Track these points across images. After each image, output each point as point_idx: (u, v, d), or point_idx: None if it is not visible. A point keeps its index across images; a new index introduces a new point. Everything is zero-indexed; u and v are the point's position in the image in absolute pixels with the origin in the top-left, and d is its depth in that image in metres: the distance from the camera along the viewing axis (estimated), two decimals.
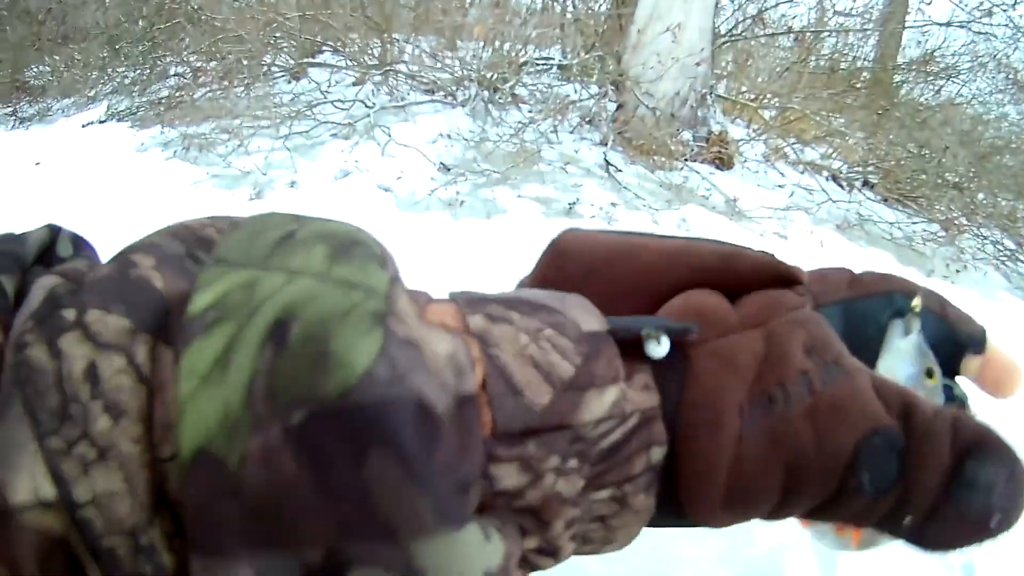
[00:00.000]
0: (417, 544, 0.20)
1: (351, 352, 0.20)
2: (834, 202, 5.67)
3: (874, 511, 0.28)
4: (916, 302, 0.33)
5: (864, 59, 7.71)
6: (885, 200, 6.22)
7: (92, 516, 0.20)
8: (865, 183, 6.38)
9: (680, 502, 0.28)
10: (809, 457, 0.27)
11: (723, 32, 6.53)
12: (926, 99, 7.57)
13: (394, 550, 0.20)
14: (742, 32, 6.88)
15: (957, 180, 6.43)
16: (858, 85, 6.71)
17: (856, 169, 6.48)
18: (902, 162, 6.43)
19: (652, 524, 0.29)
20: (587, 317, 0.27)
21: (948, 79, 7.61)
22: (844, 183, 6.24)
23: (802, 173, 6.03)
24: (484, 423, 0.24)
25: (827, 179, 6.17)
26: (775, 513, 0.29)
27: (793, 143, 6.31)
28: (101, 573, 0.21)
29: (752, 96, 6.43)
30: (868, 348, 0.33)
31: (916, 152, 6.48)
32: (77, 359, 0.21)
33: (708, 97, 5.94)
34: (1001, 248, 6.31)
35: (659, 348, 0.27)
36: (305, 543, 0.20)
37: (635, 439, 0.26)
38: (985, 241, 6.28)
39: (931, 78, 7.51)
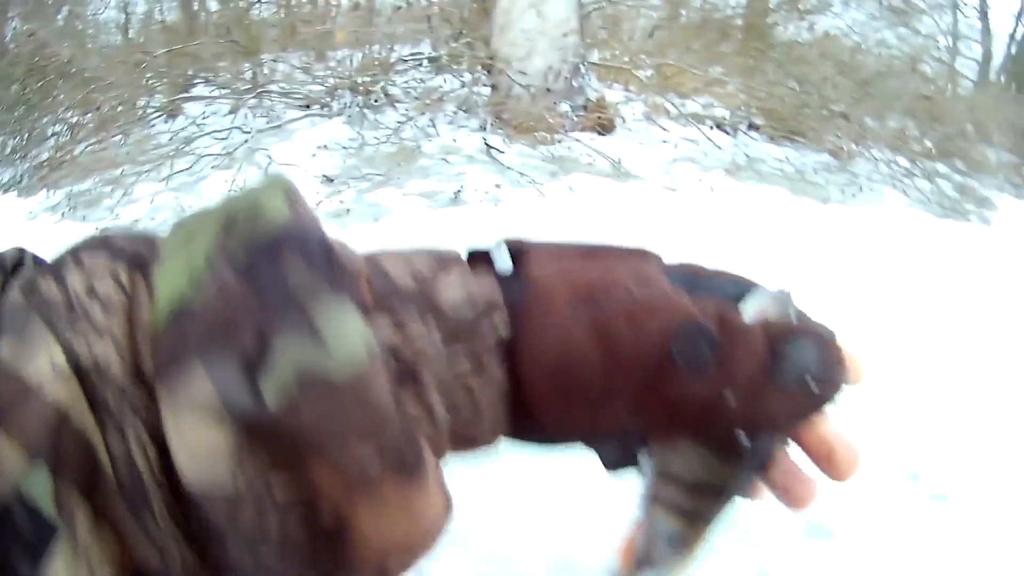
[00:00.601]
0: (316, 309, 0.27)
1: (276, 212, 0.29)
2: (720, 148, 5.61)
3: (694, 394, 0.32)
4: (790, 295, 0.35)
5: (736, 7, 7.69)
6: (772, 139, 6.19)
7: (94, 378, 0.27)
8: (750, 126, 6.35)
9: (526, 398, 0.33)
10: (626, 342, 0.32)
11: (589, 0, 6.46)
12: (801, 37, 7.57)
13: (301, 315, 0.27)
14: None
15: (842, 109, 6.43)
16: (731, 32, 6.67)
17: (739, 113, 6.45)
18: (785, 100, 6.40)
19: (516, 436, 0.35)
20: (451, 248, 0.35)
21: (821, 13, 7.63)
22: (729, 129, 6.20)
23: (685, 126, 5.96)
24: (368, 297, 0.31)
25: (711, 128, 6.12)
26: (604, 404, 0.33)
27: (673, 98, 6.24)
28: (95, 419, 0.27)
29: (627, 59, 6.35)
30: None
31: (797, 88, 6.46)
32: (79, 282, 0.29)
33: (582, 66, 5.85)
34: (895, 167, 6.32)
35: (502, 260, 0.35)
36: (243, 332, 0.26)
37: (485, 319, 0.33)
38: (878, 163, 6.29)
39: (804, 15, 7.52)
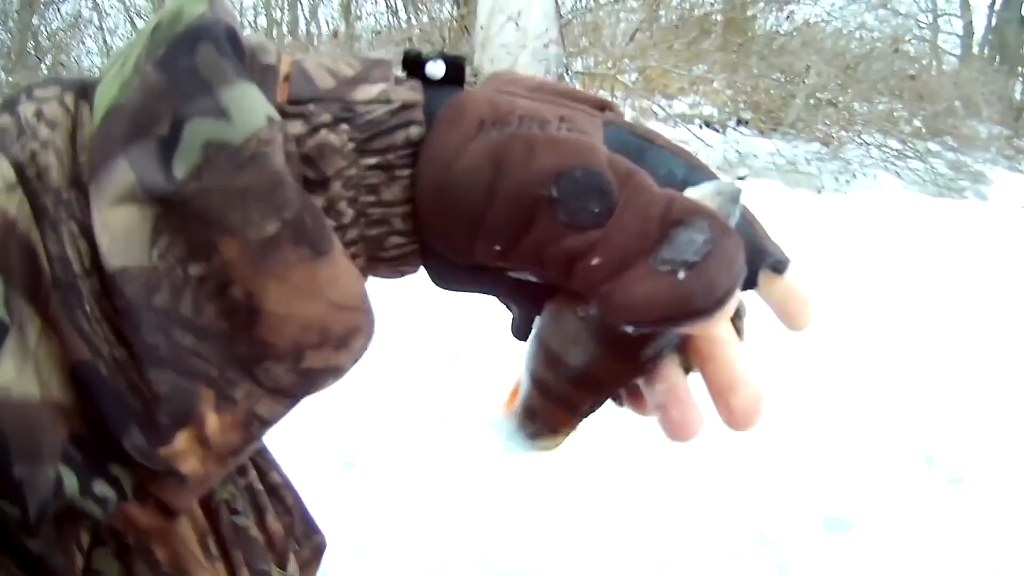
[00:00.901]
0: (224, 90, 0.28)
1: (195, 11, 0.29)
2: (711, 147, 5.62)
3: (563, 244, 0.30)
4: (739, 192, 0.32)
5: (714, 3, 7.71)
6: (762, 132, 6.19)
7: (36, 185, 0.28)
8: (739, 121, 6.35)
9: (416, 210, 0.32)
10: (515, 167, 0.30)
11: (568, 9, 6.48)
12: (782, 27, 7.59)
13: (210, 98, 0.28)
14: (586, 4, 6.84)
15: (829, 96, 6.44)
16: (711, 29, 6.69)
17: (727, 110, 6.45)
18: (771, 92, 6.41)
19: (429, 266, 0.34)
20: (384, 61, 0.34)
21: (799, 2, 7.65)
22: (718, 126, 6.20)
23: (674, 127, 5.97)
24: (282, 95, 0.31)
25: (700, 126, 6.13)
26: (480, 234, 0.31)
27: (659, 100, 6.25)
28: (36, 222, 0.28)
29: (610, 64, 6.36)
30: None
31: (782, 79, 6.47)
32: (30, 109, 0.30)
33: (565, 76, 5.87)
34: (887, 150, 6.33)
35: (436, 68, 0.33)
36: (161, 120, 0.28)
37: (396, 117, 0.32)
38: (869, 147, 6.29)
39: (783, 5, 7.53)
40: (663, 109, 6.16)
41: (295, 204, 0.28)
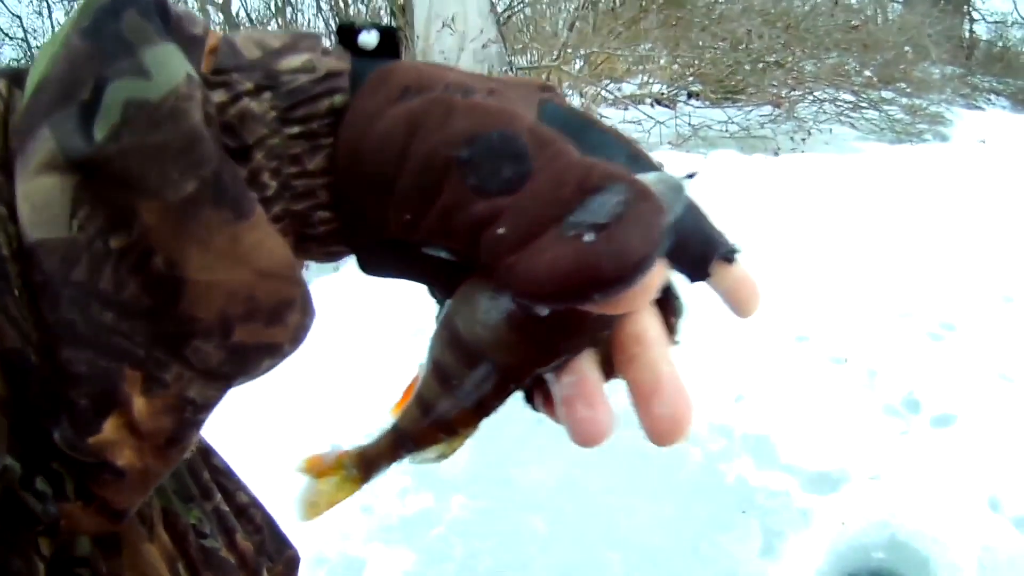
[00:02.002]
0: (145, 49, 0.27)
1: None
2: (663, 124, 5.57)
3: (469, 211, 0.27)
4: (681, 183, 0.28)
5: None
6: (713, 103, 6.16)
7: None
8: (689, 95, 6.32)
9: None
10: (431, 130, 0.28)
11: (505, 6, 6.44)
12: None
13: (131, 59, 0.27)
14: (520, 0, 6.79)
15: (775, 58, 6.40)
16: (649, 7, 6.64)
17: (675, 85, 6.42)
18: (716, 62, 6.38)
19: (349, 243, 0.32)
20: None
21: None
22: (668, 103, 6.16)
23: (626, 109, 5.93)
24: (206, 66, 0.30)
25: (651, 105, 6.09)
26: (391, 201, 0.29)
27: (608, 84, 6.21)
28: None
29: (554, 55, 6.31)
30: None
31: (726, 48, 6.44)
32: None
33: (510, 72, 5.82)
34: (841, 104, 6.31)
35: (369, 38, 0.32)
36: (83, 86, 0.26)
37: (320, 85, 0.30)
38: (823, 103, 6.27)
39: None
40: (612, 93, 6.11)
41: (213, 161, 0.27)
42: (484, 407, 0.30)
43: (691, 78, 6.40)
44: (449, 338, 0.30)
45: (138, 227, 0.26)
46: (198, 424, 0.30)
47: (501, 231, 0.26)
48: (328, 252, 0.33)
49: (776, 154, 5.22)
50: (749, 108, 5.96)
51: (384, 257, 0.32)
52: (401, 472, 2.25)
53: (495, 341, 0.28)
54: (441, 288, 0.32)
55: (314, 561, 2.00)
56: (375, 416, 2.35)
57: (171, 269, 0.27)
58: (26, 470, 0.27)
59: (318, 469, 0.33)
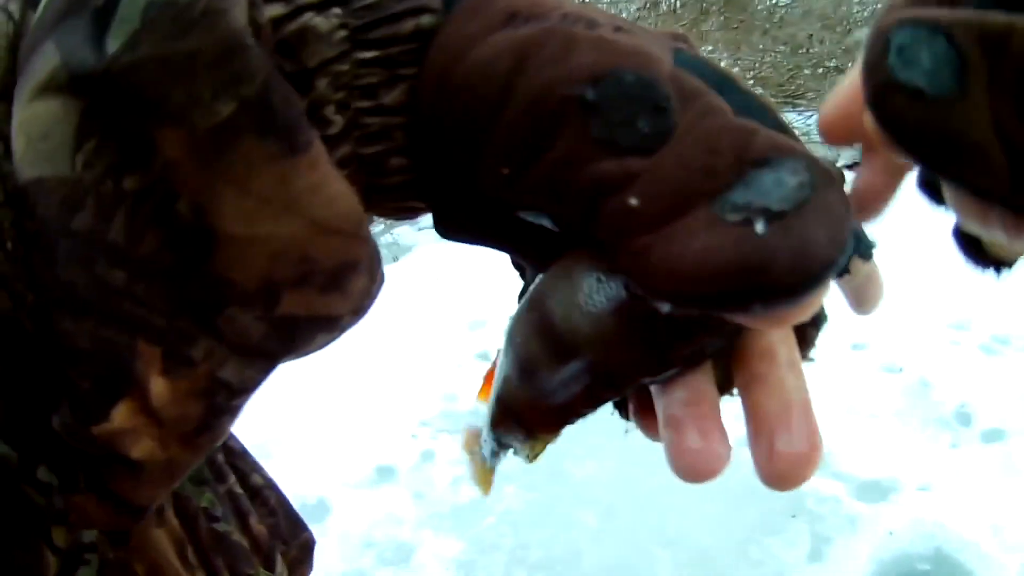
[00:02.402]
0: None
1: None
2: None
3: (590, 169, 0.22)
4: (841, 172, 0.24)
5: None
6: None
7: None
8: None
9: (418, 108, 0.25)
10: (545, 63, 0.23)
11: None
12: (781, 0, 7.50)
13: None
14: None
15: (835, 64, 6.36)
16: (711, 9, 6.65)
17: None
18: (777, 66, 6.36)
19: (429, 199, 0.27)
20: None
21: None
22: None
23: None
24: None
25: None
26: (486, 141, 0.24)
27: None
28: None
29: None
30: None
31: (787, 52, 6.42)
32: None
33: None
34: None
35: None
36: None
37: (405, 2, 0.25)
38: None
39: None
40: None
41: (258, 77, 0.21)
42: (569, 411, 0.25)
43: (751, 82, 6.39)
44: (538, 323, 0.25)
45: (159, 163, 0.21)
46: (234, 411, 0.24)
47: (633, 202, 0.21)
48: (400, 208, 0.28)
49: (836, 160, 5.20)
50: (810, 113, 5.94)
51: (469, 218, 0.27)
52: (454, 462, 2.34)
53: (596, 335, 0.23)
54: (532, 260, 0.28)
55: (362, 544, 2.08)
56: (424, 411, 2.42)
57: (199, 217, 0.21)
58: (24, 459, 0.23)
59: (469, 445, 0.31)
